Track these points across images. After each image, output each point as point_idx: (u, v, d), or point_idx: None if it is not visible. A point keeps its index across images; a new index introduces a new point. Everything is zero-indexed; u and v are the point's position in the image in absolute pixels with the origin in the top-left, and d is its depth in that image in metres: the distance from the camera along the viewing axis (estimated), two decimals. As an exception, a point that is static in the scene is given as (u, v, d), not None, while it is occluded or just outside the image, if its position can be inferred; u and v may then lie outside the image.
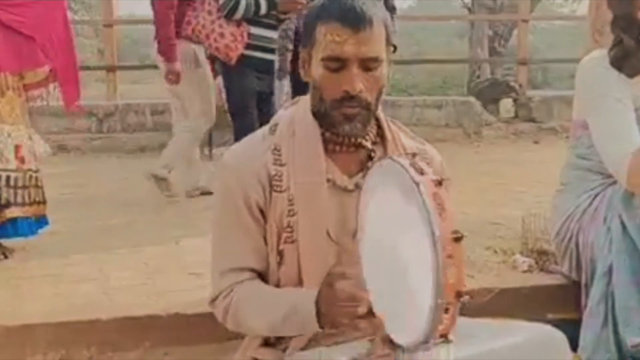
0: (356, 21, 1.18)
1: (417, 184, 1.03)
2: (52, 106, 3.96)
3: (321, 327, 1.15)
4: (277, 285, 1.27)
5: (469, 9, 10.88)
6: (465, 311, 1.37)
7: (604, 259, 1.76)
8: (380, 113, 1.31)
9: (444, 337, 1.02)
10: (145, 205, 3.48)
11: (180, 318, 1.89)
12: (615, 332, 1.70)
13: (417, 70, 10.65)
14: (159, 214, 3.28)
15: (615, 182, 1.82)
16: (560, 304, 2.07)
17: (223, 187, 1.28)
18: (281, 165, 1.25)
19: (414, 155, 1.16)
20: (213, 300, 1.29)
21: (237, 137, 3.40)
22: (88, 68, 11.90)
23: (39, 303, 2.01)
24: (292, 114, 1.31)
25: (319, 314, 1.14)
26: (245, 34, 3.28)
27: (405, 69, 10.77)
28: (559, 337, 1.27)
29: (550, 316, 1.98)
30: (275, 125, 1.31)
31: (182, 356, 1.89)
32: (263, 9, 3.26)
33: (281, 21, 3.41)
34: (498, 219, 2.92)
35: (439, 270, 0.98)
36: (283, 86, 2.98)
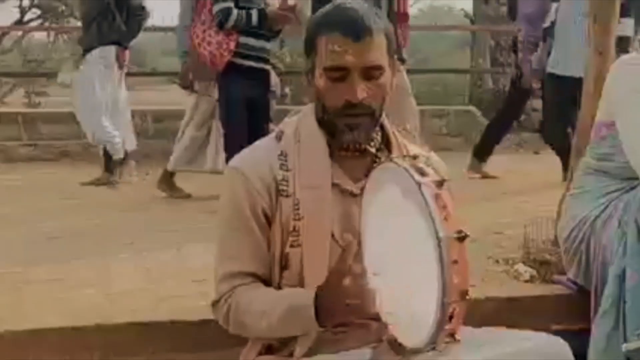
0: (356, 30, 1.20)
1: (419, 185, 1.04)
2: (55, 112, 4.00)
3: (321, 325, 1.16)
4: (279, 290, 1.28)
5: (471, 19, 10.90)
6: (467, 321, 1.38)
7: (617, 263, 1.76)
8: (385, 120, 1.33)
9: (451, 336, 1.03)
10: (148, 211, 3.49)
11: (183, 324, 1.89)
12: (625, 336, 1.70)
13: (419, 79, 10.66)
14: (162, 220, 3.28)
15: (632, 188, 1.83)
16: (563, 315, 2.07)
17: (230, 193, 1.29)
18: (287, 170, 1.27)
19: (414, 157, 1.18)
20: (215, 303, 1.31)
21: (226, 142, 3.50)
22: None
23: (42, 308, 2.01)
24: (297, 121, 1.33)
25: (318, 312, 1.15)
26: (232, 44, 3.39)
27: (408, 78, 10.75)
28: (562, 346, 1.28)
29: (553, 326, 1.97)
30: (281, 132, 1.33)
31: (185, 363, 1.88)
32: (254, 21, 3.38)
33: (275, 32, 3.49)
34: (500, 228, 2.91)
35: (444, 270, 0.99)
36: None
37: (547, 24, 3.79)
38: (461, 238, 1.02)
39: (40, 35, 15.89)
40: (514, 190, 4.00)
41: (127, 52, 4.38)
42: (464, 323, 1.33)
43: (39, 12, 14.71)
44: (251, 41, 3.45)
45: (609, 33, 2.34)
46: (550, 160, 4.67)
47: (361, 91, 1.21)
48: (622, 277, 1.73)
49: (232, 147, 3.39)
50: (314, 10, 4.09)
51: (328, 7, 1.28)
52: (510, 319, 1.99)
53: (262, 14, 3.39)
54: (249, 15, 3.38)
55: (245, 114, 3.47)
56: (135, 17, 4.31)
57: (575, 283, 2.06)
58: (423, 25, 15.27)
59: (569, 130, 3.61)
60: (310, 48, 1.27)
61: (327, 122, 1.28)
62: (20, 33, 13.88)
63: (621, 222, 1.80)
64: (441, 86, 10.53)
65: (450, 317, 1.01)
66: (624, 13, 3.15)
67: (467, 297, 1.03)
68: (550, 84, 3.79)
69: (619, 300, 1.73)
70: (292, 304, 1.19)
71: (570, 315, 2.04)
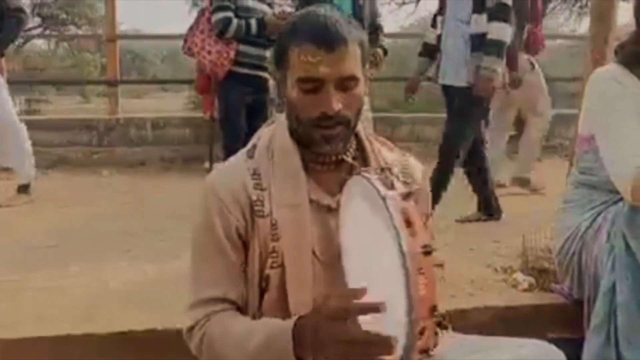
0: (330, 41, 1.16)
1: (384, 199, 1.03)
2: (53, 119, 3.98)
3: (299, 359, 1.08)
4: (259, 314, 1.23)
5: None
6: (465, 329, 1.36)
7: (607, 277, 1.75)
8: (359, 127, 1.30)
9: (425, 352, 1.01)
10: (145, 218, 3.48)
11: (177, 332, 1.87)
12: (617, 350, 1.69)
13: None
14: (159, 226, 3.27)
15: (619, 200, 1.82)
16: (561, 323, 2.06)
17: (203, 214, 1.25)
18: (262, 189, 1.23)
19: (382, 169, 1.16)
20: (189, 330, 1.24)
21: (225, 147, 3.60)
22: (90, 82, 12.01)
23: (36, 316, 1.99)
24: (270, 134, 1.29)
25: (297, 345, 1.08)
26: (232, 52, 3.48)
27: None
28: (557, 354, 1.27)
29: (550, 335, 1.96)
30: (254, 147, 1.29)
31: (179, 371, 1.87)
32: (253, 30, 3.46)
33: (272, 41, 3.54)
34: (498, 236, 2.91)
35: (409, 286, 0.97)
36: None
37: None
38: (427, 252, 1.00)
39: (41, 43, 15.98)
40: (513, 198, 3.99)
41: (2, 60, 3.93)
42: (461, 331, 1.33)
43: (39, 20, 14.77)
44: (250, 50, 3.53)
45: (607, 41, 2.34)
46: (550, 167, 4.66)
47: (336, 102, 1.17)
48: (612, 292, 1.72)
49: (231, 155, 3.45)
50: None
51: (299, 15, 1.23)
52: (507, 327, 1.98)
53: (260, 23, 3.46)
54: (248, 25, 3.45)
55: (242, 120, 3.56)
56: (11, 20, 3.77)
57: (570, 294, 2.05)
58: (420, 34, 15.33)
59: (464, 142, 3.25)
60: (281, 59, 1.22)
61: (301, 134, 1.23)
62: (21, 41, 13.92)
63: (610, 234, 1.80)
64: (440, 94, 10.55)
65: (421, 334, 0.98)
66: (476, 9, 3.04)
67: (436, 313, 1.00)
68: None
69: (610, 315, 1.72)
70: (269, 335, 1.12)
71: (567, 323, 2.03)
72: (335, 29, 1.17)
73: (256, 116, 3.57)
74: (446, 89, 3.30)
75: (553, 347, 1.27)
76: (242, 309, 1.24)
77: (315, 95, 1.18)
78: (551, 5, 12.83)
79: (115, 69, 6.02)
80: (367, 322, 1.02)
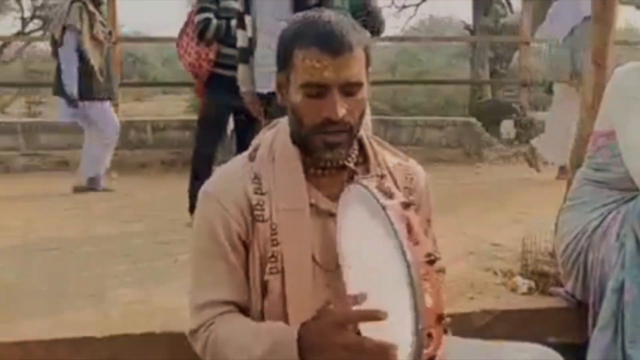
0: (335, 46, 1.14)
1: (384, 208, 1.02)
2: (53, 122, 3.97)
3: None
4: (260, 318, 1.23)
5: (471, 31, 10.95)
6: (464, 333, 1.36)
7: (616, 276, 1.75)
8: (362, 132, 1.28)
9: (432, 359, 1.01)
10: (144, 221, 3.47)
11: (176, 337, 1.87)
12: (624, 350, 1.69)
13: (418, 90, 10.69)
14: (158, 231, 3.26)
15: (630, 200, 1.81)
16: (561, 327, 2.06)
17: (204, 218, 1.24)
18: (262, 194, 1.22)
19: (381, 177, 1.15)
20: (193, 333, 1.24)
21: (197, 145, 3.51)
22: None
23: (35, 320, 1.99)
24: (272, 138, 1.28)
25: (302, 351, 1.08)
26: (211, 54, 3.44)
27: (407, 89, 10.80)
28: (557, 359, 1.26)
29: (550, 339, 1.95)
30: (255, 151, 1.28)
31: (178, 375, 1.86)
32: (234, 32, 3.19)
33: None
34: (498, 240, 2.90)
35: (416, 296, 0.96)
36: None
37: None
38: (431, 261, 0.99)
39: (42, 46, 15.99)
40: (512, 202, 3.99)
41: None
42: (461, 335, 1.33)
43: (40, 23, 14.79)
44: (232, 51, 3.30)
45: (607, 44, 2.34)
46: (550, 171, 4.66)
47: (341, 108, 1.16)
48: (620, 291, 1.72)
49: (201, 161, 3.42)
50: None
51: (303, 18, 1.21)
52: (507, 332, 1.98)
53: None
54: (228, 26, 3.36)
55: (223, 123, 3.52)
56: None
57: (573, 295, 2.04)
58: (423, 37, 15.35)
59: None
60: (284, 62, 1.20)
61: (303, 140, 1.22)
62: (22, 43, 13.95)
63: (620, 234, 1.79)
64: (441, 97, 10.55)
65: (429, 341, 0.98)
66: (299, 7, 2.54)
67: (444, 320, 1.00)
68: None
69: (618, 314, 1.71)
70: (274, 341, 1.12)
71: (567, 328, 2.02)
72: (341, 33, 1.15)
73: (245, 122, 3.47)
74: (261, 97, 2.85)
75: (554, 353, 1.27)
76: (245, 312, 1.24)
77: (320, 100, 1.17)
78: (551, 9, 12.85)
79: (115, 72, 6.01)
80: (373, 331, 1.02)
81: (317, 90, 1.16)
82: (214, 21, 3.37)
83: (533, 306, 2.13)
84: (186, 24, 3.58)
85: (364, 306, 1.04)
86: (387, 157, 1.32)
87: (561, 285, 2.12)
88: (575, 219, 1.95)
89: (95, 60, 4.28)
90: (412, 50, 13.18)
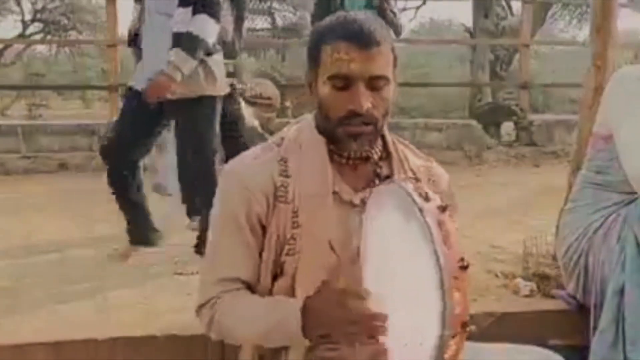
0: (363, 38, 1.18)
1: (422, 211, 1.02)
2: (54, 124, 3.97)
3: (307, 336, 1.13)
4: (269, 296, 1.25)
5: (471, 33, 10.95)
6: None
7: (616, 278, 1.74)
8: (386, 131, 1.31)
9: None
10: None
11: (176, 339, 1.87)
12: (625, 352, 1.68)
13: (419, 92, 10.70)
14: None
15: (630, 202, 1.81)
16: (563, 330, 2.05)
17: (225, 197, 1.26)
18: (287, 176, 1.24)
19: (417, 179, 1.14)
20: (200, 307, 1.27)
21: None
22: (91, 87, 12.00)
23: (35, 322, 1.99)
24: (298, 130, 1.31)
25: (305, 322, 1.12)
26: None
27: (407, 91, 10.80)
28: (557, 361, 1.26)
29: (552, 342, 1.95)
30: (282, 138, 1.30)
31: (179, 377, 1.86)
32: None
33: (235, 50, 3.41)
34: (499, 242, 2.90)
35: (445, 301, 0.96)
36: None
37: None
38: (463, 267, 0.99)
39: (42, 49, 16.00)
40: (514, 204, 3.99)
41: None
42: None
43: (41, 25, 14.80)
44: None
45: (607, 46, 2.34)
46: (550, 173, 4.66)
47: (365, 101, 1.18)
48: (621, 293, 1.71)
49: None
50: (316, 19, 4.08)
51: (332, 17, 1.25)
52: (509, 334, 1.96)
53: None
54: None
55: None
56: None
57: (574, 298, 2.04)
58: (423, 39, 15.35)
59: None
60: (313, 58, 1.24)
61: (329, 131, 1.24)
62: (22, 46, 13.95)
63: (620, 236, 1.78)
64: (441, 100, 10.55)
65: (451, 347, 0.98)
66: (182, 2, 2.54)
67: (468, 329, 1.00)
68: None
69: (619, 317, 1.71)
70: (278, 312, 1.17)
71: (569, 330, 2.02)
72: (369, 29, 1.19)
73: (229, 127, 3.32)
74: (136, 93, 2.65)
75: (555, 354, 1.26)
76: (253, 290, 1.26)
77: (345, 92, 1.19)
78: (551, 11, 12.86)
79: (116, 74, 6.02)
80: (398, 334, 1.03)
81: (344, 82, 1.19)
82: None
83: (535, 308, 2.13)
84: None
85: (383, 307, 1.05)
86: (410, 157, 1.34)
87: (563, 288, 2.11)
88: (576, 221, 1.94)
89: None
90: (412, 52, 13.19)
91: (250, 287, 1.26)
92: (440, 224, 1.01)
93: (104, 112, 6.69)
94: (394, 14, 3.86)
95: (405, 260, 1.05)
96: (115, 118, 5.17)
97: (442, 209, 1.04)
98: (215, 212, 1.28)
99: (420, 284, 1.01)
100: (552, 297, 2.18)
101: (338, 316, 1.08)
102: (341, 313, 1.08)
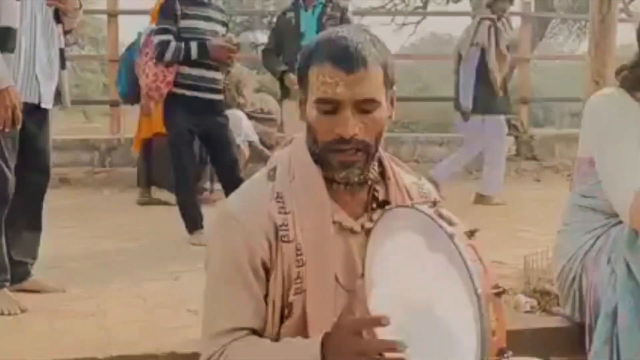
0: (349, 62, 1.12)
1: (452, 236, 0.99)
2: (56, 139, 3.93)
3: None
4: (276, 340, 1.19)
5: (471, 48, 10.98)
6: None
7: (609, 301, 1.74)
8: (381, 151, 1.25)
9: None
10: (144, 239, 3.47)
11: (175, 357, 1.86)
12: None
13: (419, 107, 10.72)
14: (159, 248, 3.26)
15: (618, 223, 1.80)
16: (564, 346, 2.04)
17: (225, 243, 1.18)
18: (286, 213, 1.18)
19: (434, 203, 1.11)
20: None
21: (174, 169, 3.44)
22: (93, 102, 12.03)
23: (36, 339, 1.98)
24: (289, 155, 1.25)
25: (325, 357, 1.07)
26: (170, 76, 3.34)
27: (407, 105, 10.82)
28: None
29: (553, 359, 1.94)
30: (274, 169, 1.24)
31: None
32: (193, 54, 3.31)
33: (225, 64, 3.43)
34: (500, 257, 2.89)
35: (484, 329, 0.94)
36: None
37: None
38: (498, 293, 0.97)
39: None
40: (515, 219, 3.98)
41: None
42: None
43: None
44: (191, 70, 3.35)
45: (606, 63, 2.35)
46: (551, 188, 4.66)
47: (353, 126, 1.13)
48: (614, 316, 1.71)
49: (181, 181, 3.40)
50: (273, 42, 4.11)
51: (321, 35, 1.21)
52: (510, 349, 1.96)
53: (202, 46, 3.31)
54: (187, 48, 3.30)
55: (189, 144, 3.46)
56: None
57: (571, 318, 2.03)
58: (424, 55, 15.42)
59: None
60: (302, 78, 1.20)
61: (319, 156, 1.19)
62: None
63: (610, 258, 1.78)
64: (442, 114, 10.57)
65: None
66: None
67: (505, 356, 0.98)
68: None
69: (612, 339, 1.70)
70: (296, 353, 1.10)
71: (570, 347, 2.01)
72: (356, 49, 1.13)
73: (217, 144, 3.43)
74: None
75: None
76: (260, 336, 1.20)
77: (333, 116, 1.14)
78: (551, 25, 12.92)
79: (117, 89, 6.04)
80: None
81: (331, 107, 1.14)
82: (173, 43, 3.28)
83: (535, 325, 2.12)
84: (145, 44, 3.51)
85: (406, 334, 1.03)
86: (402, 175, 1.29)
87: (563, 304, 2.11)
88: (567, 244, 1.95)
89: (497, 75, 4.45)
90: (412, 66, 13.24)
91: (257, 334, 1.19)
92: (471, 249, 0.98)
93: (105, 127, 6.70)
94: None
95: (430, 285, 1.02)
96: (117, 134, 5.20)
97: (470, 233, 1.01)
98: (215, 259, 1.20)
99: (450, 310, 0.98)
100: (553, 313, 2.17)
101: (357, 348, 1.03)
102: (359, 344, 1.04)
